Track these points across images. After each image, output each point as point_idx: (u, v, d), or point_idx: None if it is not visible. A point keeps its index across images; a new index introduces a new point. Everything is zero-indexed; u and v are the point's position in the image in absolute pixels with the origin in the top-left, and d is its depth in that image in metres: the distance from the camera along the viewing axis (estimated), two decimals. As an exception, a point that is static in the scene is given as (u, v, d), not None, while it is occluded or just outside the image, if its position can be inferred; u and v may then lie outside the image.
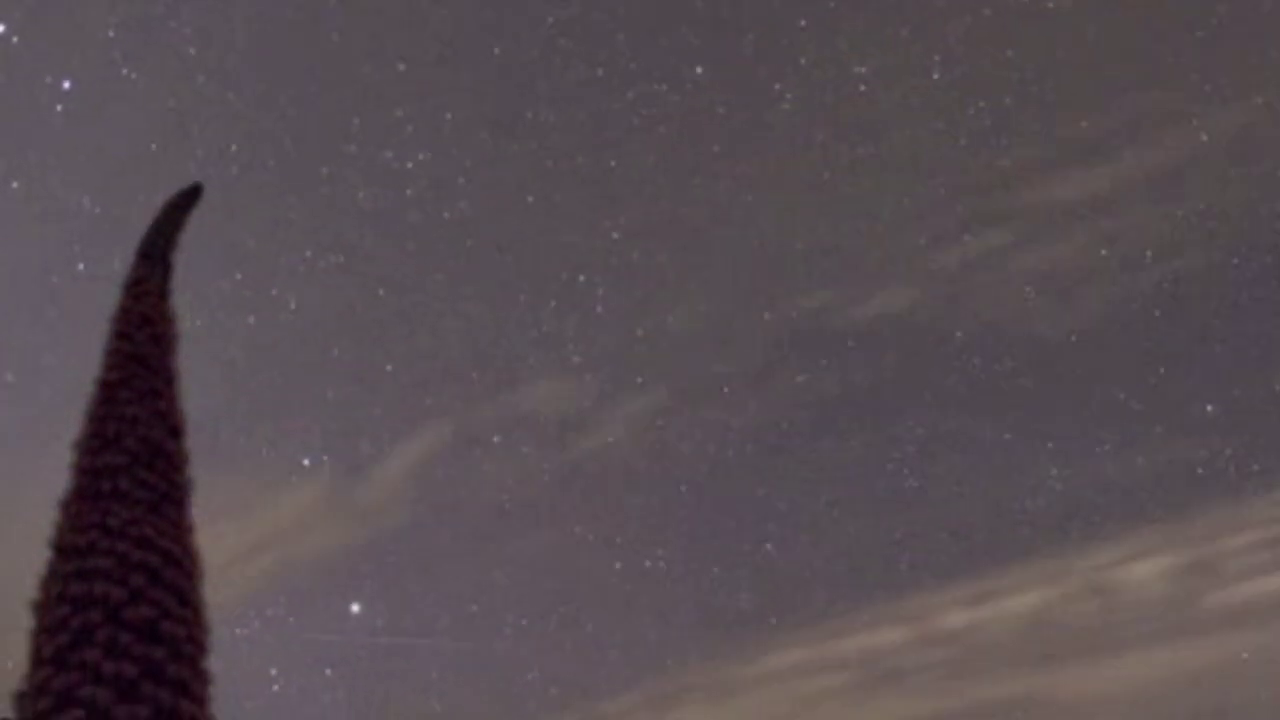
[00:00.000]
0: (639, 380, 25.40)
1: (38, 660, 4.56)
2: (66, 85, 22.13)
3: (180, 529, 5.27)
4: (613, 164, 24.40)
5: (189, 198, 6.29)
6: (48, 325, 23.47)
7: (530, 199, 24.30)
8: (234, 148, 22.91)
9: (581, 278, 24.64)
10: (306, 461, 24.39)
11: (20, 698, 4.51)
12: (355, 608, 24.76)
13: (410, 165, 23.63)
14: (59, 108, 22.10)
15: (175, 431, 5.62)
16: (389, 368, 24.55)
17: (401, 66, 23.63)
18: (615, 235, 24.44)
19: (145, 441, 5.42)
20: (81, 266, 22.68)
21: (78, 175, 22.97)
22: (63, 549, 4.99)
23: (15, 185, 22.59)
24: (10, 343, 23.31)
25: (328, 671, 23.95)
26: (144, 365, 5.65)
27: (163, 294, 5.89)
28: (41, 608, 4.80)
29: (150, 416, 5.52)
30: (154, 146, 22.87)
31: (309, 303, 23.92)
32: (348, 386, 24.65)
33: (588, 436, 25.99)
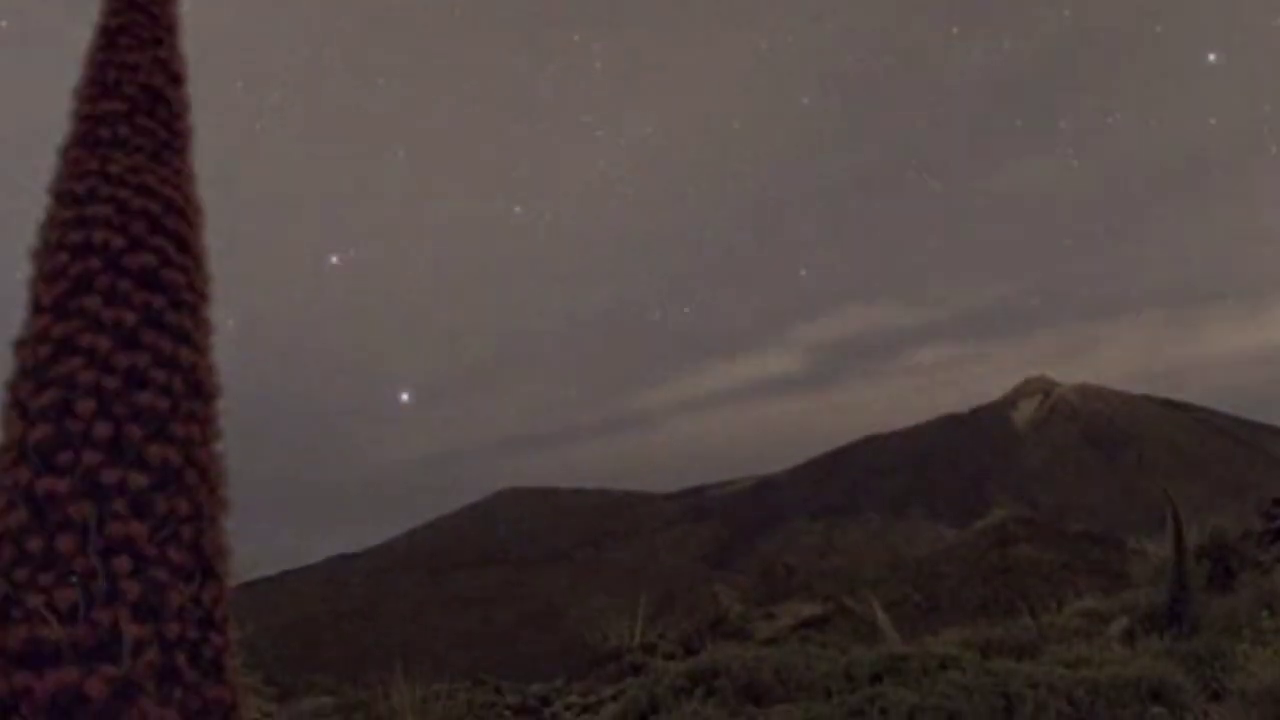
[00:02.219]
0: None
1: (37, 308, 4.59)
2: None
3: (181, 176, 5.29)
4: None
5: None
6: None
7: None
8: None
9: None
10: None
11: (20, 346, 4.58)
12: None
13: None
14: None
15: (176, 79, 5.60)
16: None
17: None
18: None
19: (146, 89, 5.41)
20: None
21: None
22: (62, 196, 4.98)
23: None
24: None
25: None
26: (144, 12, 5.58)
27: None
28: (41, 255, 4.80)
29: (151, 63, 5.48)
30: None
31: None
32: None
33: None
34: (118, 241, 4.83)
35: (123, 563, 3.71)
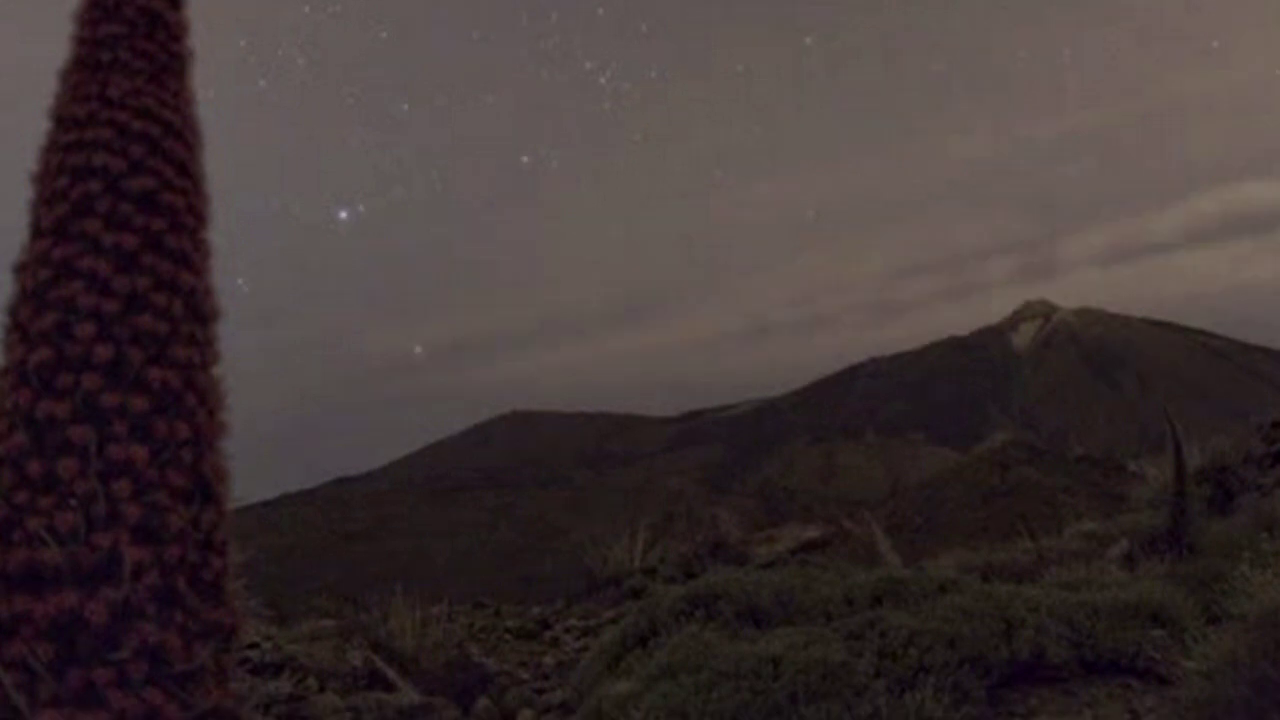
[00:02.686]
0: None
1: (36, 231, 4.56)
2: None
3: (180, 99, 5.23)
4: None
5: None
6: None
7: None
8: None
9: None
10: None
11: (20, 269, 4.56)
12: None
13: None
14: None
15: (174, 1, 5.54)
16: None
17: None
18: None
19: (145, 11, 5.35)
20: None
21: None
22: (62, 119, 4.95)
23: None
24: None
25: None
26: (139, -68, 5.51)
27: None
28: (40, 179, 4.77)
29: (148, -15, 5.43)
30: None
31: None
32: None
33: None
34: (117, 164, 4.78)
35: (123, 486, 3.70)
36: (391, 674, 11.59)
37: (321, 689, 11.25)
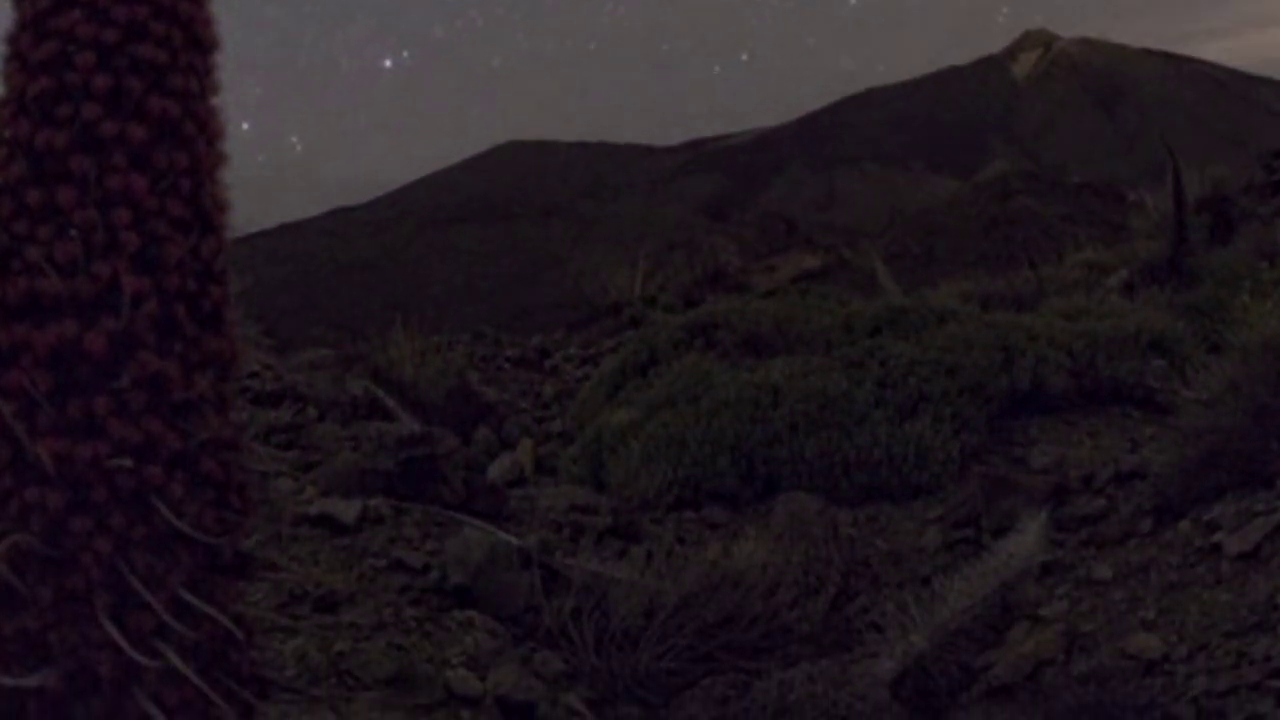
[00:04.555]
0: None
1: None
2: None
3: None
4: None
5: None
6: None
7: None
8: None
9: None
10: None
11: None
12: None
13: None
14: None
15: None
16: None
17: None
18: None
19: None
20: None
21: None
22: None
23: None
24: None
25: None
26: None
27: None
28: None
29: None
30: None
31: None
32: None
33: None
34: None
35: (122, 215, 3.66)
36: (391, 403, 11.67)
37: (321, 418, 11.36)
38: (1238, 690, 5.13)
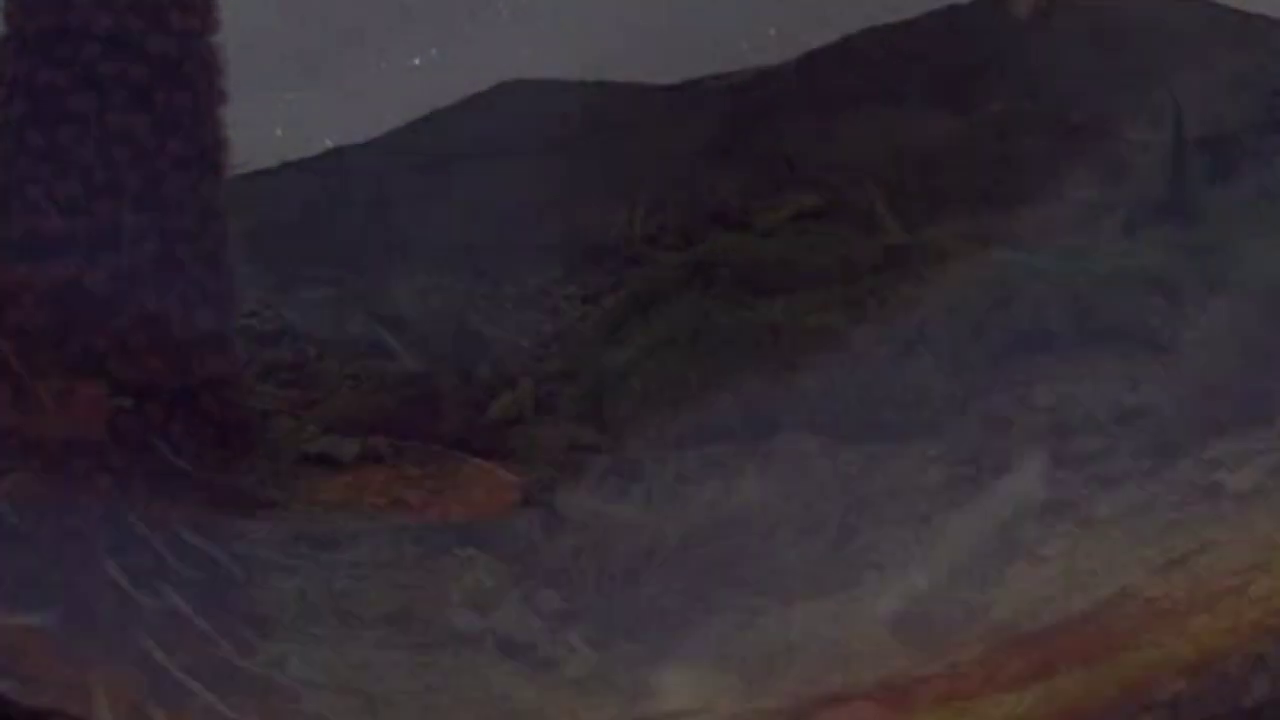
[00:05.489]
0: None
1: None
2: None
3: None
4: None
5: None
6: None
7: None
8: None
9: None
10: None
11: None
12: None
13: None
14: None
15: None
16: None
17: None
18: None
19: None
20: None
21: None
22: None
23: None
24: None
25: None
26: None
27: None
28: None
29: None
30: None
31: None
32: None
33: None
34: None
35: (121, 153, 3.64)
36: (392, 342, 11.59)
37: (321, 357, 11.28)
38: (1238, 628, 5.13)
